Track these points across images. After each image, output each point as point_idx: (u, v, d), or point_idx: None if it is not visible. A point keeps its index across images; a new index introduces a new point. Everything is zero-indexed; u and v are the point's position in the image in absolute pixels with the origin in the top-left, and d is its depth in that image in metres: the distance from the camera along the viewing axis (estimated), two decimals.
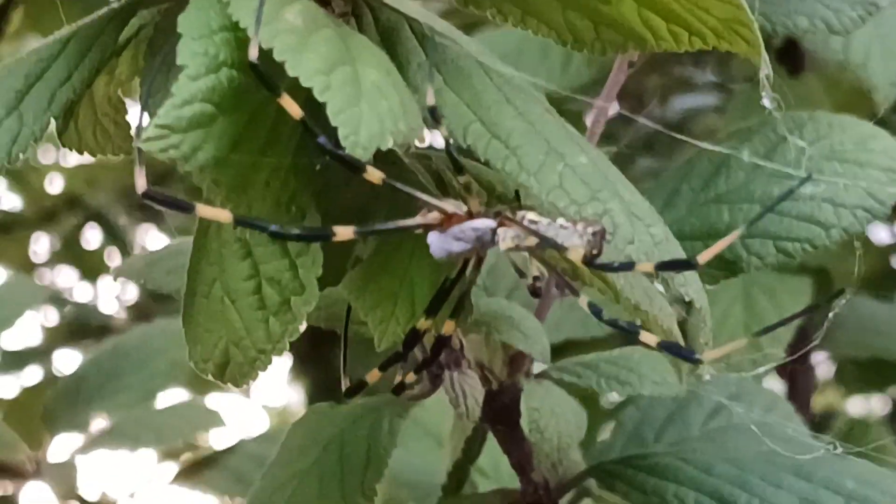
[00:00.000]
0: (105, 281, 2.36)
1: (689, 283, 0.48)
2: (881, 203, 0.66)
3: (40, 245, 2.40)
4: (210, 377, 0.52)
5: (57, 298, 2.27)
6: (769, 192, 0.67)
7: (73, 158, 2.28)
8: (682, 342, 0.52)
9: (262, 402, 2.35)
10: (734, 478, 0.66)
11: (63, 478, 1.02)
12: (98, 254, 2.32)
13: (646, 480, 0.68)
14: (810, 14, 0.68)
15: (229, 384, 0.52)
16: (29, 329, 2.12)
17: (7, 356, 1.90)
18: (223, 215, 0.42)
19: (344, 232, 0.43)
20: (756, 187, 0.67)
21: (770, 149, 0.69)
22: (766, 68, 0.54)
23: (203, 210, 0.42)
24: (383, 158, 0.51)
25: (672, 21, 0.54)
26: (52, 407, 1.04)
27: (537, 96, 0.51)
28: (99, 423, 1.07)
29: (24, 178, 2.24)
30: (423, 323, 0.47)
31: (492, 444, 0.73)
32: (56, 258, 2.37)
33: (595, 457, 0.76)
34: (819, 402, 1.98)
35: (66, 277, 2.43)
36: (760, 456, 0.68)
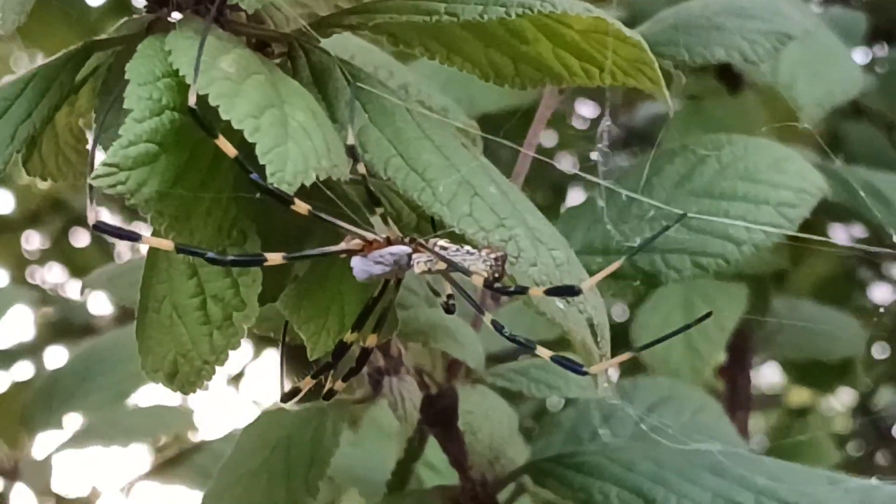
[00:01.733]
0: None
1: (587, 301, 0.53)
2: (790, 221, 0.71)
3: (31, 243, 2.45)
4: (161, 385, 0.57)
5: (48, 296, 2.32)
6: (688, 209, 0.72)
7: None
8: (596, 351, 0.57)
9: (255, 398, 2.41)
10: (654, 475, 0.71)
11: (39, 476, 1.06)
12: (88, 252, 2.36)
13: (574, 477, 0.73)
14: (727, 45, 0.74)
15: (179, 392, 0.57)
16: (21, 326, 2.17)
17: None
18: (166, 244, 0.48)
19: (274, 258, 0.49)
20: (675, 206, 0.73)
21: (690, 169, 0.74)
22: (669, 103, 0.60)
23: (148, 240, 0.47)
24: (324, 184, 0.57)
25: (584, 60, 0.59)
26: (29, 407, 1.09)
27: (454, 131, 0.56)
28: (75, 423, 1.12)
29: (12, 180, 2.28)
30: (349, 336, 0.52)
31: None
32: (47, 256, 2.42)
33: (534, 455, 0.81)
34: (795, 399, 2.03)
35: (57, 274, 2.47)
36: (680, 455, 0.73)
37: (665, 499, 0.70)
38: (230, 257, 0.48)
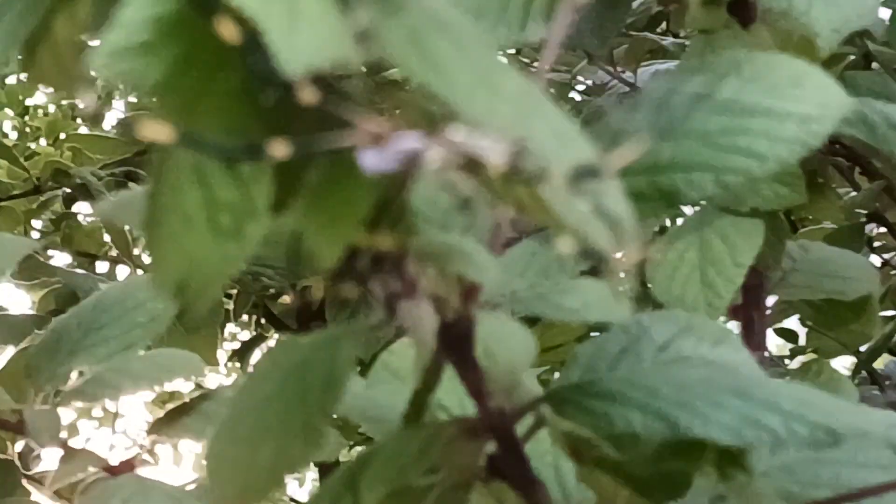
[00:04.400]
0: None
1: (611, 198, 0.51)
2: (814, 136, 0.69)
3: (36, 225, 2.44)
4: (172, 299, 0.55)
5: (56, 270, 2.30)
6: (707, 128, 0.70)
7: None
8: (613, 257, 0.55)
9: None
10: (677, 399, 0.69)
11: (46, 427, 1.05)
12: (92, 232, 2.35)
13: (595, 405, 0.72)
14: None
15: (192, 305, 0.55)
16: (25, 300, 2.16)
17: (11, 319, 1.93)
18: (166, 133, 0.45)
19: (280, 149, 0.46)
20: (696, 123, 0.71)
21: (709, 85, 0.72)
22: None
23: (147, 129, 0.45)
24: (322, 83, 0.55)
25: None
26: (33, 361, 1.07)
27: (470, 29, 0.54)
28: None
29: (11, 153, 2.27)
30: (360, 238, 0.50)
31: (456, 384, 0.76)
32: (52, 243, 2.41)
33: (553, 387, 0.79)
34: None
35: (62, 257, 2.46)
36: (703, 379, 0.71)
37: (689, 423, 0.68)
38: (233, 149, 0.46)
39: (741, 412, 0.68)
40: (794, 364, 2.02)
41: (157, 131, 0.46)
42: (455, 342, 0.71)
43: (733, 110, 0.71)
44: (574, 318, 0.71)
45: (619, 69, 1.87)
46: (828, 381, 1.00)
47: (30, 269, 2.23)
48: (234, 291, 2.15)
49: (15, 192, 2.25)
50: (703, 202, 0.79)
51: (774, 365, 1.89)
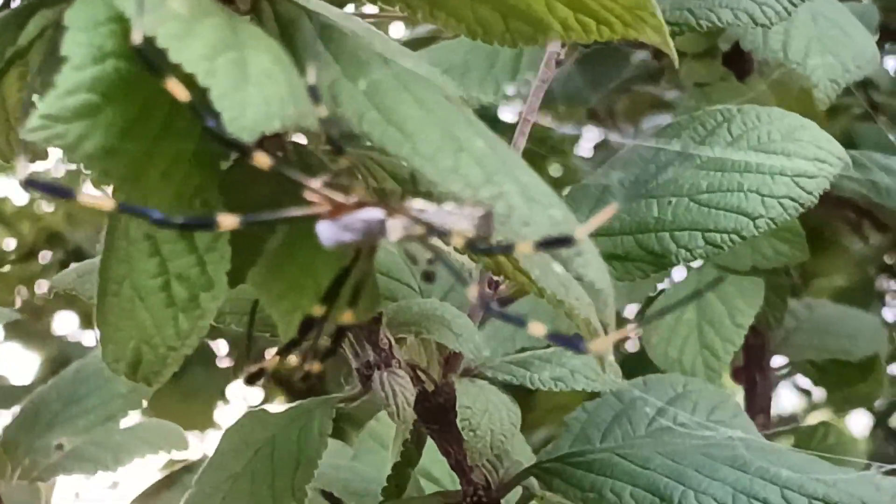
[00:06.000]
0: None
1: (588, 265, 0.48)
2: (809, 192, 0.66)
3: (41, 289, 2.41)
4: (123, 377, 0.52)
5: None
6: (697, 185, 0.67)
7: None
8: (601, 331, 0.52)
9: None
10: (670, 471, 0.66)
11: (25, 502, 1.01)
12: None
13: (584, 477, 0.68)
14: (734, 7, 0.69)
15: (142, 383, 0.52)
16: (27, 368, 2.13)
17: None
18: (106, 202, 0.42)
19: (228, 221, 0.43)
20: (684, 181, 0.68)
21: (699, 142, 0.69)
22: (672, 53, 0.55)
23: (84, 197, 0.42)
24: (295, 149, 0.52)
25: (579, 11, 0.54)
26: (11, 434, 1.04)
27: (438, 86, 0.51)
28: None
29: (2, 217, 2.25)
30: (318, 309, 0.47)
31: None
32: (55, 304, 2.37)
33: (542, 457, 0.76)
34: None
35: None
36: (697, 449, 0.68)
37: (683, 496, 0.65)
38: (180, 220, 0.43)
39: (736, 484, 0.65)
40: (811, 420, 1.98)
41: (97, 200, 0.43)
42: (435, 413, 0.68)
43: (723, 167, 0.67)
44: (559, 386, 0.67)
45: (622, 124, 1.84)
46: (835, 444, 0.97)
47: (28, 336, 2.21)
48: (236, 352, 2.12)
49: (10, 259, 2.22)
50: (696, 262, 0.76)
51: (786, 423, 1.85)
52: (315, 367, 0.49)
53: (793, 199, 0.66)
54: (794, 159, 0.67)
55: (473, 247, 0.43)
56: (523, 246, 0.43)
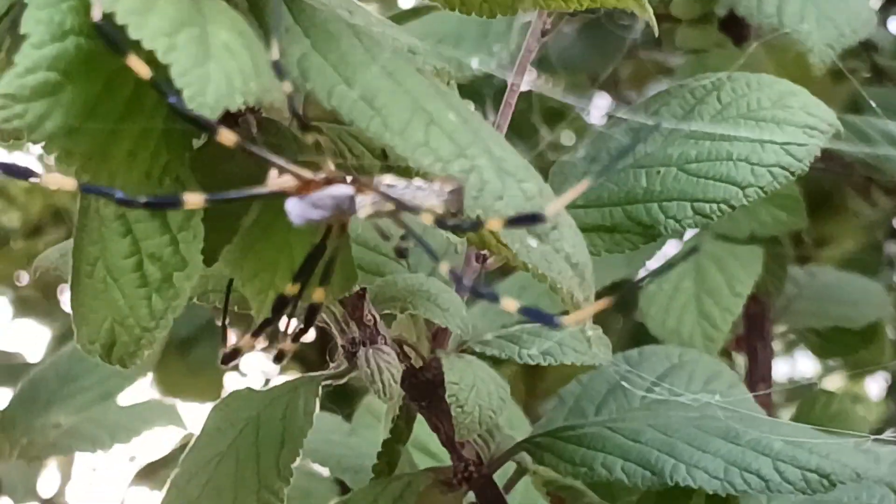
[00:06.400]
0: None
1: (564, 238, 0.47)
2: (799, 160, 0.65)
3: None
4: (98, 358, 0.52)
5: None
6: (686, 155, 0.66)
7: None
8: (582, 305, 0.51)
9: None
10: (661, 444, 0.65)
11: (21, 482, 1.01)
12: None
13: (574, 451, 0.67)
14: None
15: (117, 365, 0.52)
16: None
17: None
18: (68, 183, 0.42)
19: (194, 199, 0.42)
20: (673, 150, 0.66)
21: (688, 110, 0.68)
22: (650, 18, 0.54)
23: (48, 178, 0.41)
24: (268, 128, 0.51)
25: None
26: (9, 414, 1.04)
27: (411, 57, 0.50)
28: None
29: (8, 194, 2.25)
30: (290, 288, 0.46)
31: None
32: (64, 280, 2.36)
33: (534, 432, 0.75)
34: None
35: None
36: (689, 421, 0.67)
37: (674, 469, 0.64)
38: (143, 199, 0.42)
39: (729, 456, 0.64)
40: (828, 385, 1.96)
41: (59, 181, 0.42)
42: (423, 389, 0.67)
43: (712, 136, 0.66)
44: (548, 360, 0.67)
45: (626, 91, 1.83)
46: (837, 414, 0.96)
47: (38, 313, 2.20)
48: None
49: (16, 235, 2.22)
50: (687, 231, 0.75)
51: (800, 389, 1.83)
52: (287, 346, 0.48)
53: (783, 168, 0.65)
54: (783, 127, 0.66)
55: (442, 223, 0.42)
56: (493, 222, 0.42)
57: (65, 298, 2.46)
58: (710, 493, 0.64)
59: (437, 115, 0.46)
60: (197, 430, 0.66)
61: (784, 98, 0.67)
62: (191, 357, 1.97)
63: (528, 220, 0.42)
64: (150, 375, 1.28)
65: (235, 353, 0.47)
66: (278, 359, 0.49)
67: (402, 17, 1.06)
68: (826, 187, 1.55)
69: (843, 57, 0.93)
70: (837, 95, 1.25)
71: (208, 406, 0.66)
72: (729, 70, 0.71)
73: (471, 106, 0.65)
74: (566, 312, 0.49)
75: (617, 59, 1.46)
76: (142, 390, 1.11)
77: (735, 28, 1.07)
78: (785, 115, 0.66)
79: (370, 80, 0.46)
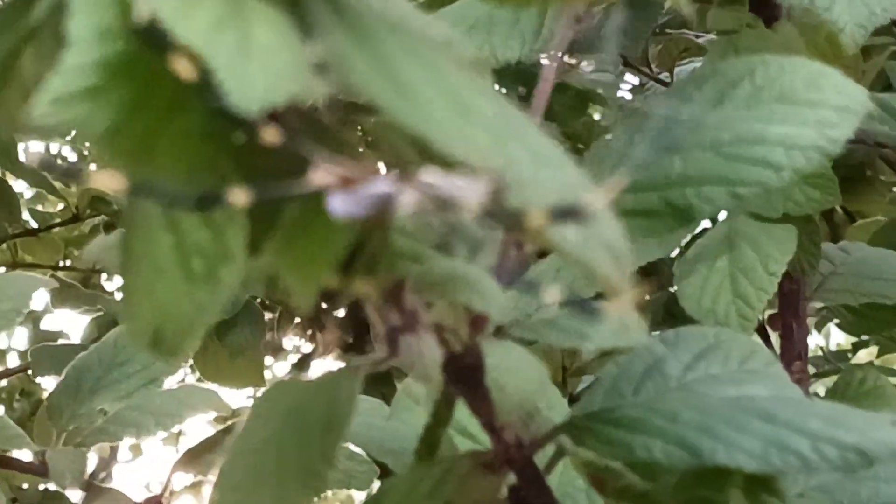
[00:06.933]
0: None
1: (603, 225, 0.47)
2: (833, 142, 0.66)
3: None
4: (147, 351, 0.53)
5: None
6: (719, 138, 0.67)
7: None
8: (621, 291, 0.51)
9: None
10: (699, 424, 0.66)
11: (69, 469, 1.03)
12: None
13: (613, 433, 0.68)
14: None
15: (167, 357, 0.53)
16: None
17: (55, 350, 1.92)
18: (116, 183, 0.43)
19: (240, 196, 0.43)
20: (707, 133, 0.67)
21: (720, 94, 0.68)
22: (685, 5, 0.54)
23: (95, 178, 0.42)
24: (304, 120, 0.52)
25: None
26: (55, 401, 1.05)
27: (448, 48, 0.51)
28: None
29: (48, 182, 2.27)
30: (334, 281, 0.47)
31: None
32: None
33: (573, 414, 0.76)
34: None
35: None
36: (726, 402, 0.68)
37: (712, 449, 0.65)
38: (189, 199, 0.43)
39: (767, 436, 0.65)
40: (862, 357, 1.96)
41: (108, 181, 0.43)
42: (464, 374, 0.68)
43: (746, 119, 0.67)
44: (588, 344, 0.67)
45: (655, 69, 1.83)
46: (872, 389, 0.96)
47: (71, 299, 2.23)
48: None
49: (54, 222, 2.24)
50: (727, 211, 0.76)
51: (832, 361, 1.84)
52: (332, 338, 0.49)
53: (817, 148, 0.65)
54: (816, 108, 0.66)
55: (483, 217, 0.43)
56: (536, 215, 0.43)
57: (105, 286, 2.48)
58: (749, 472, 0.65)
59: (474, 106, 0.46)
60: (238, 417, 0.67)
61: (816, 79, 0.68)
62: (228, 340, 1.99)
63: (570, 211, 0.43)
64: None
65: (305, 359, 0.48)
66: (322, 352, 0.50)
67: (433, 4, 1.06)
68: (856, 162, 1.55)
69: (874, 34, 0.93)
70: (868, 72, 1.25)
71: (246, 391, 0.67)
72: (761, 51, 0.72)
73: (504, 93, 0.65)
74: (602, 296, 0.50)
75: (646, 37, 1.47)
76: (182, 375, 1.12)
77: (765, 8, 1.07)
78: (818, 96, 0.67)
79: (408, 73, 0.47)
